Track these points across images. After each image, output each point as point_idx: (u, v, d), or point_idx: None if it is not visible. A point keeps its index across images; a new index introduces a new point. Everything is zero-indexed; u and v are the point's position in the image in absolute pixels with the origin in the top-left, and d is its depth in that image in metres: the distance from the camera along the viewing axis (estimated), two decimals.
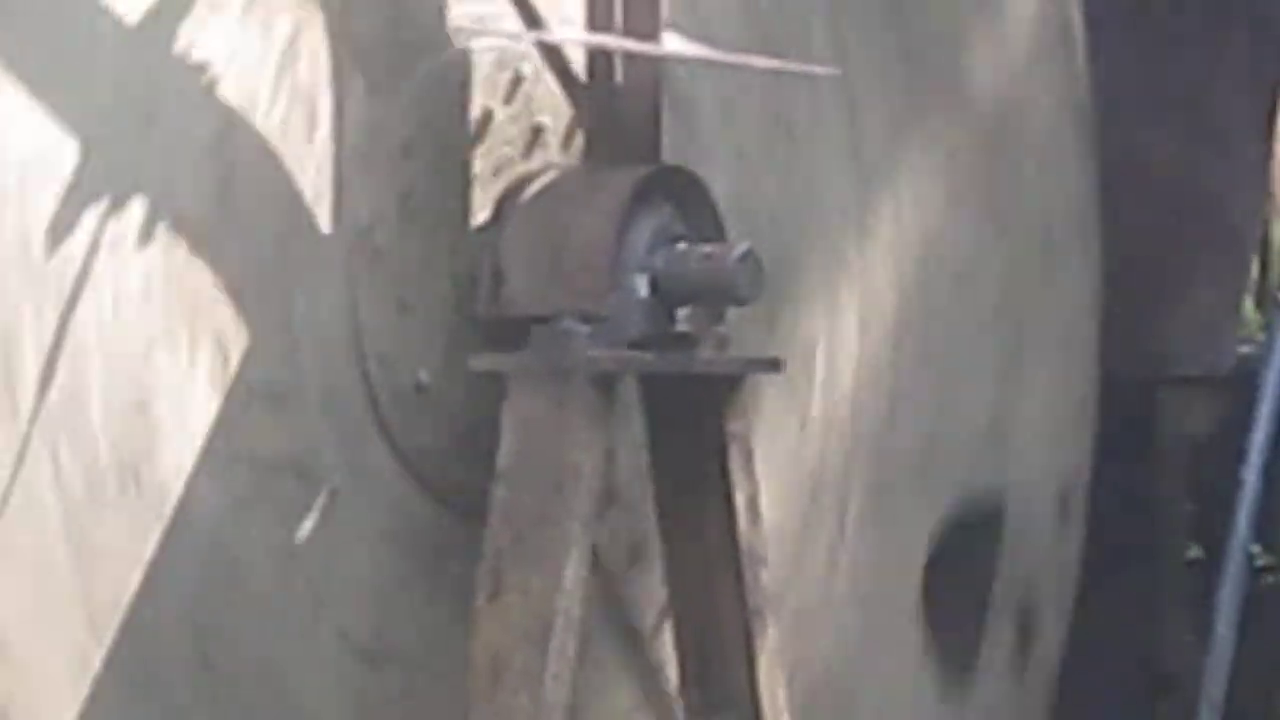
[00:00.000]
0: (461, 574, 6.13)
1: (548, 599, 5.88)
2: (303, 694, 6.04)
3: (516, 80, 6.09)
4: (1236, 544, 7.84)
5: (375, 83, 6.00)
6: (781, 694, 6.30)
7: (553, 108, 6.22)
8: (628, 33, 6.01)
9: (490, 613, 5.92)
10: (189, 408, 5.66)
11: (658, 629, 6.65)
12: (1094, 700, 8.28)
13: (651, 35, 6.01)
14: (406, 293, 5.99)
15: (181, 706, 5.80)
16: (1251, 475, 7.83)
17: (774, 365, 6.44)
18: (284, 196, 5.86)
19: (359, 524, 6.08)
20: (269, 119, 5.90)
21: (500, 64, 6.07)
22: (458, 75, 6.06)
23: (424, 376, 6.03)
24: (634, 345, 5.88)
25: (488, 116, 6.09)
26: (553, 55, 6.14)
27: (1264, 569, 8.06)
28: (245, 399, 5.73)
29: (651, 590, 6.60)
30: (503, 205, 5.92)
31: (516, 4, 6.02)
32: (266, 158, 5.83)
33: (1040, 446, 7.92)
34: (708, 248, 5.92)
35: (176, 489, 5.61)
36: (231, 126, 5.81)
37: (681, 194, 6.01)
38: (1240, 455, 7.91)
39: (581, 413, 5.93)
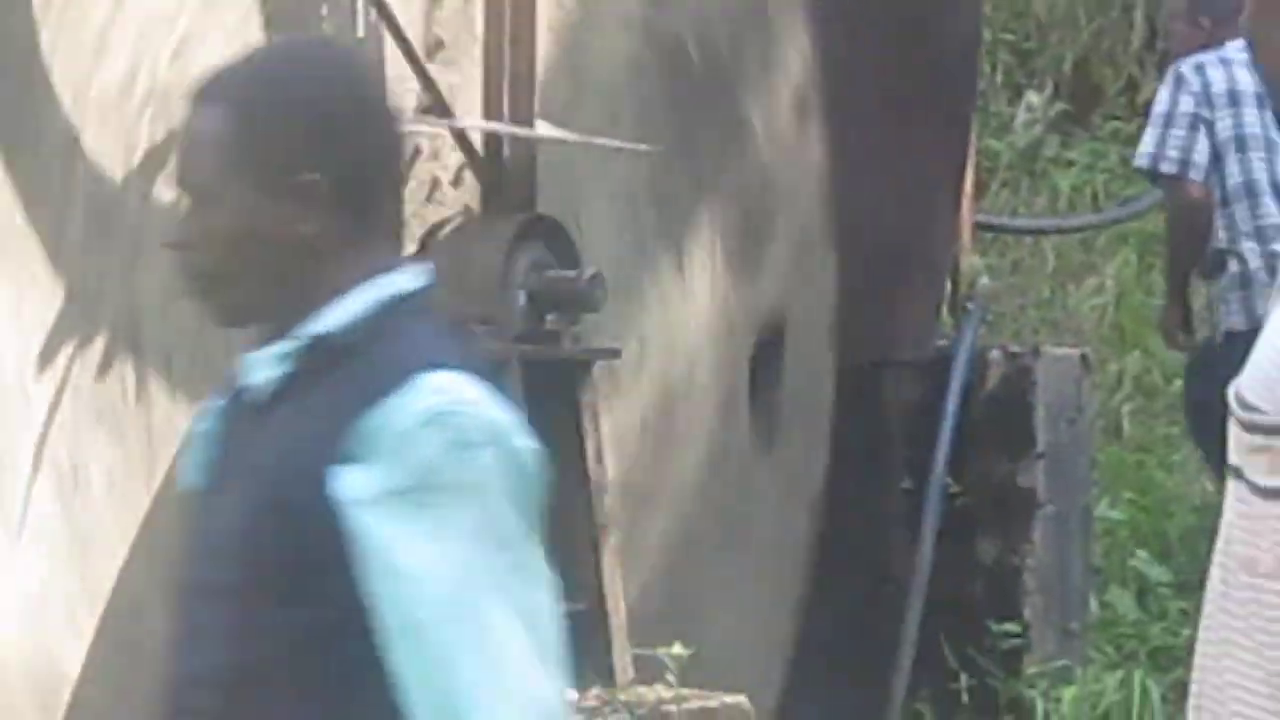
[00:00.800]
0: None
1: None
2: None
3: (417, 151, 7.41)
4: (936, 478, 9.01)
5: None
6: (619, 582, 7.65)
7: (442, 164, 7.52)
8: (512, 120, 7.34)
9: None
10: None
11: None
12: (838, 591, 9.03)
13: (528, 122, 7.33)
14: None
15: None
16: (946, 430, 8.99)
17: (614, 354, 7.84)
18: None
19: None
20: None
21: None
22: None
23: None
24: (517, 340, 7.28)
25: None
26: (458, 135, 7.37)
27: (954, 495, 8.95)
28: None
29: None
30: (425, 241, 7.41)
31: (433, 101, 7.26)
32: None
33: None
34: (568, 272, 7.35)
35: None
36: None
37: (550, 234, 7.41)
38: (938, 416, 9.04)
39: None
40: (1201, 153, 9.93)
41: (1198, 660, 3.12)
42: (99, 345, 7.55)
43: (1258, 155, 10.03)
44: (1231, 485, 3.04)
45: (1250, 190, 9.97)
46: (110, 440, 7.58)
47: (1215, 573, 3.04)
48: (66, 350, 7.48)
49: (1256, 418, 2.98)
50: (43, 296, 7.40)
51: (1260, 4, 3.19)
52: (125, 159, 7.51)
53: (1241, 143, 10.09)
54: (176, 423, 7.44)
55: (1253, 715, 2.91)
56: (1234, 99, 9.95)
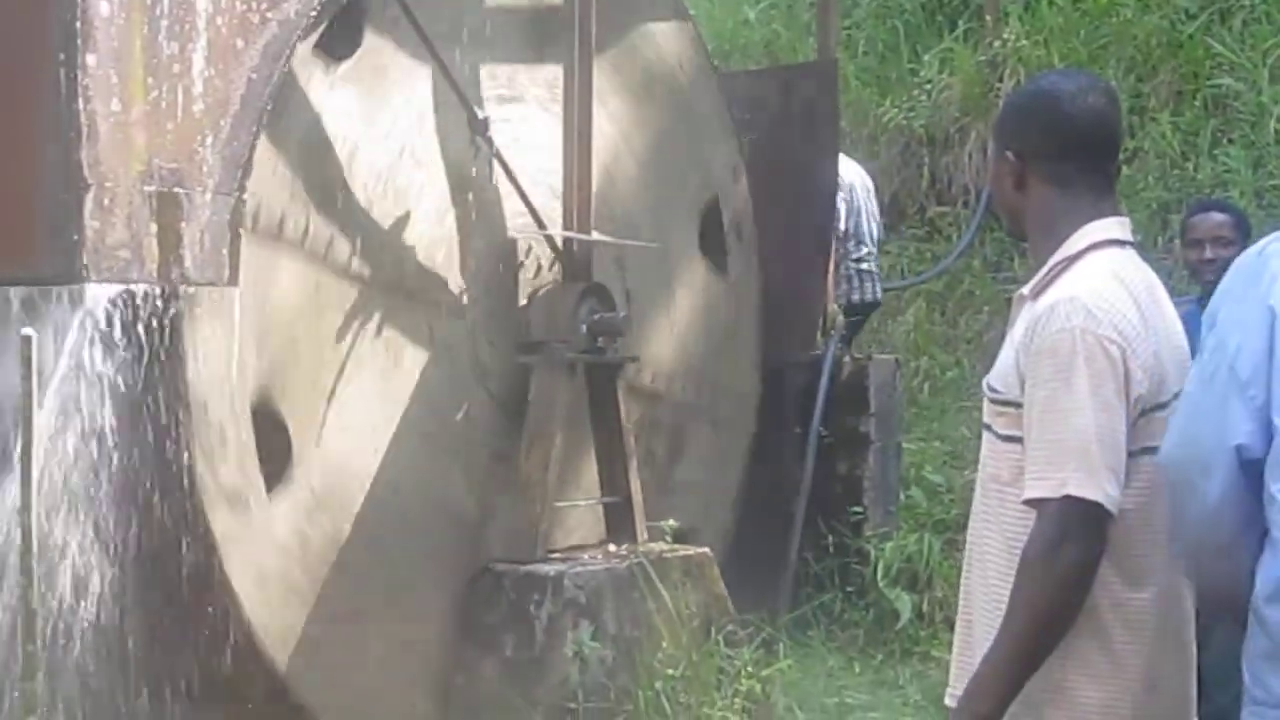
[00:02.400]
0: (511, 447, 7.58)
1: (546, 449, 7.35)
2: None
3: (529, 248, 7.69)
4: (815, 428, 9.12)
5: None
6: (639, 485, 7.73)
7: (543, 254, 7.70)
8: (578, 230, 7.63)
9: (531, 443, 7.44)
10: None
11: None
12: (763, 490, 9.06)
13: (586, 231, 7.63)
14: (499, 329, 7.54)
15: None
16: (819, 401, 9.09)
17: (635, 359, 8.03)
18: None
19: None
20: None
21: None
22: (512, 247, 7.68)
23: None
24: (582, 352, 7.54)
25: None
26: (549, 239, 7.64)
27: (824, 437, 9.02)
28: None
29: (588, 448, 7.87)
30: (531, 298, 7.63)
31: (532, 215, 7.55)
32: None
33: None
34: (609, 314, 7.66)
35: None
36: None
37: (599, 293, 7.68)
38: (815, 394, 9.12)
39: (564, 381, 7.52)
40: None
41: (969, 532, 3.48)
42: None
43: None
44: (985, 434, 3.41)
45: None
46: None
47: (978, 482, 3.47)
48: None
49: (996, 395, 3.34)
50: None
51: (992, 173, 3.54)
52: None
53: None
54: None
55: (992, 560, 3.29)
56: None
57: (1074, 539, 3.06)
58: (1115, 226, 3.33)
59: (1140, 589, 3.22)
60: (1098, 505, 3.07)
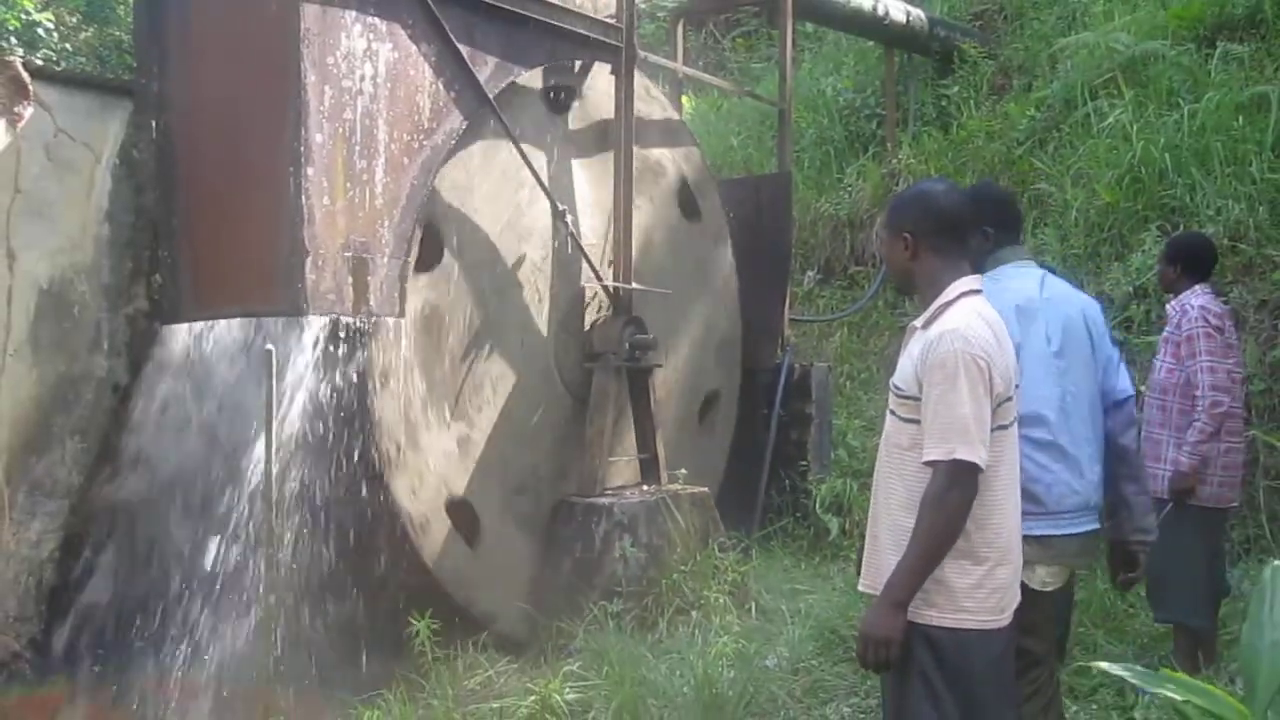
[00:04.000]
0: (580, 423, 7.45)
1: (602, 424, 7.31)
2: None
3: (593, 293, 7.59)
4: (776, 411, 8.97)
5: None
6: (662, 446, 7.65)
7: (599, 297, 7.61)
8: (624, 280, 7.55)
9: (593, 435, 7.33)
10: None
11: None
12: (740, 456, 8.85)
13: (629, 281, 7.55)
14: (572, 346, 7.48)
15: None
16: (779, 394, 9.00)
17: (661, 365, 7.93)
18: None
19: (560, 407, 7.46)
20: None
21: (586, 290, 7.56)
22: (581, 295, 7.60)
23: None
24: (624, 361, 7.46)
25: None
26: (604, 287, 7.57)
27: (782, 417, 8.89)
28: None
29: (629, 423, 7.68)
30: (592, 326, 7.57)
31: (593, 271, 7.52)
32: None
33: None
34: (645, 336, 7.57)
35: None
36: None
37: (638, 324, 7.58)
38: (775, 390, 9.04)
39: (614, 380, 7.42)
40: None
41: (874, 479, 3.50)
42: None
43: None
44: (889, 417, 3.44)
45: None
46: None
47: (881, 447, 3.50)
48: None
49: (899, 392, 3.38)
50: None
51: (888, 248, 3.54)
52: None
53: None
54: None
55: (895, 498, 3.33)
56: None
57: (958, 486, 3.20)
58: (974, 281, 3.43)
59: (990, 516, 3.27)
60: (974, 465, 3.20)
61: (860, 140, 12.82)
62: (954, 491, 3.15)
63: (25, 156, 6.20)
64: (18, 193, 6.16)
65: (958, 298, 3.35)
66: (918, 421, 3.30)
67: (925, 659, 3.29)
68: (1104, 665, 3.29)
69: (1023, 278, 4.07)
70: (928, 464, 3.21)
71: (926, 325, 3.35)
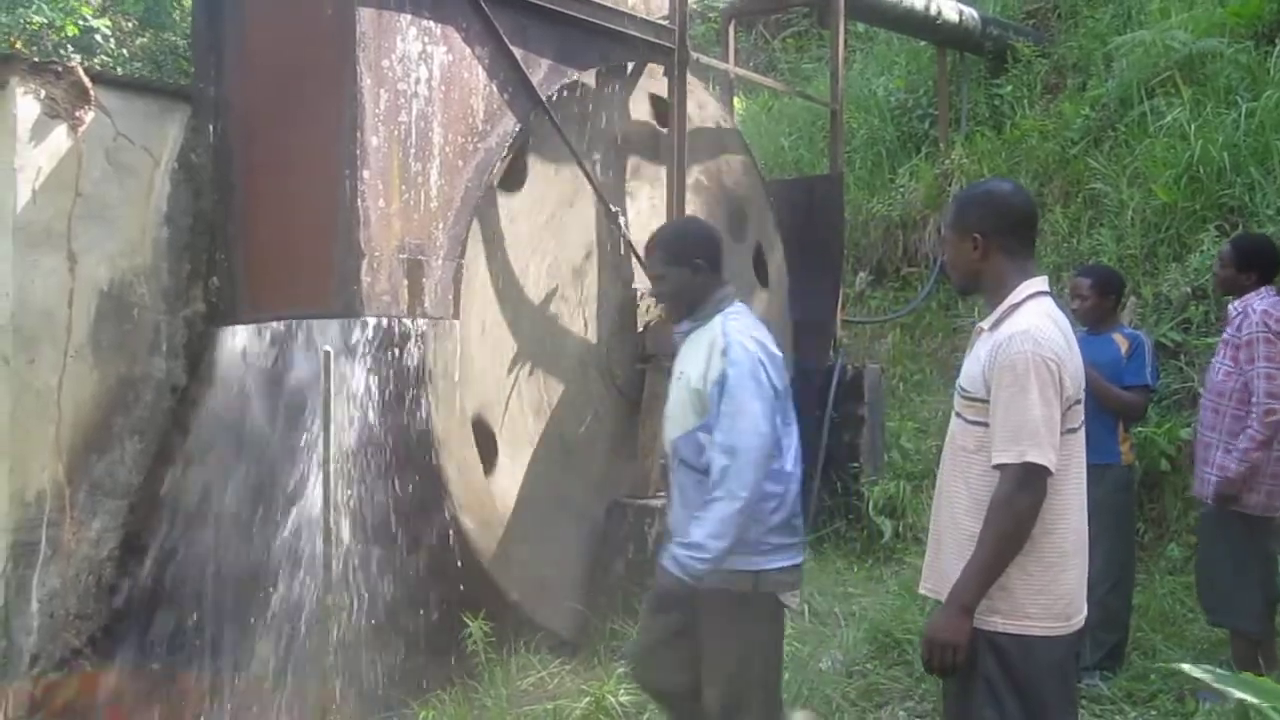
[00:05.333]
0: (632, 422, 7.44)
1: (654, 425, 6.92)
2: None
3: (640, 296, 7.55)
4: (828, 411, 8.99)
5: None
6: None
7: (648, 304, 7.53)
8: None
9: (645, 422, 7.28)
10: None
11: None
12: None
13: None
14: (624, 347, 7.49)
15: None
16: (830, 395, 8.99)
17: None
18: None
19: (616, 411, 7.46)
20: None
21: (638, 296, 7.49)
22: (634, 295, 7.57)
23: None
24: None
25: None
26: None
27: (834, 418, 8.85)
28: None
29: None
30: (647, 325, 7.56)
31: (646, 274, 6.51)
32: None
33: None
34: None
35: None
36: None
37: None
38: (828, 389, 9.02)
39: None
40: None
41: (938, 482, 3.47)
42: None
43: None
44: (955, 419, 3.40)
45: None
46: None
47: (946, 450, 3.45)
48: None
49: (966, 394, 3.33)
50: None
51: (954, 249, 3.47)
52: None
53: None
54: None
55: (960, 502, 3.28)
56: None
57: (1027, 490, 3.16)
58: (1041, 282, 3.40)
59: (1058, 521, 3.23)
60: (1044, 468, 3.15)
61: (912, 140, 12.74)
62: (1023, 495, 3.12)
63: (86, 160, 6.28)
64: (78, 196, 6.23)
65: (1026, 299, 3.32)
66: (984, 424, 3.26)
67: (989, 664, 3.26)
68: (1185, 667, 3.21)
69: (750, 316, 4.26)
70: (997, 467, 3.17)
71: (994, 327, 3.32)
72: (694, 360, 4.09)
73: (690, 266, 4.17)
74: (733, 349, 3.96)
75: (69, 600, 6.16)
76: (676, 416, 4.14)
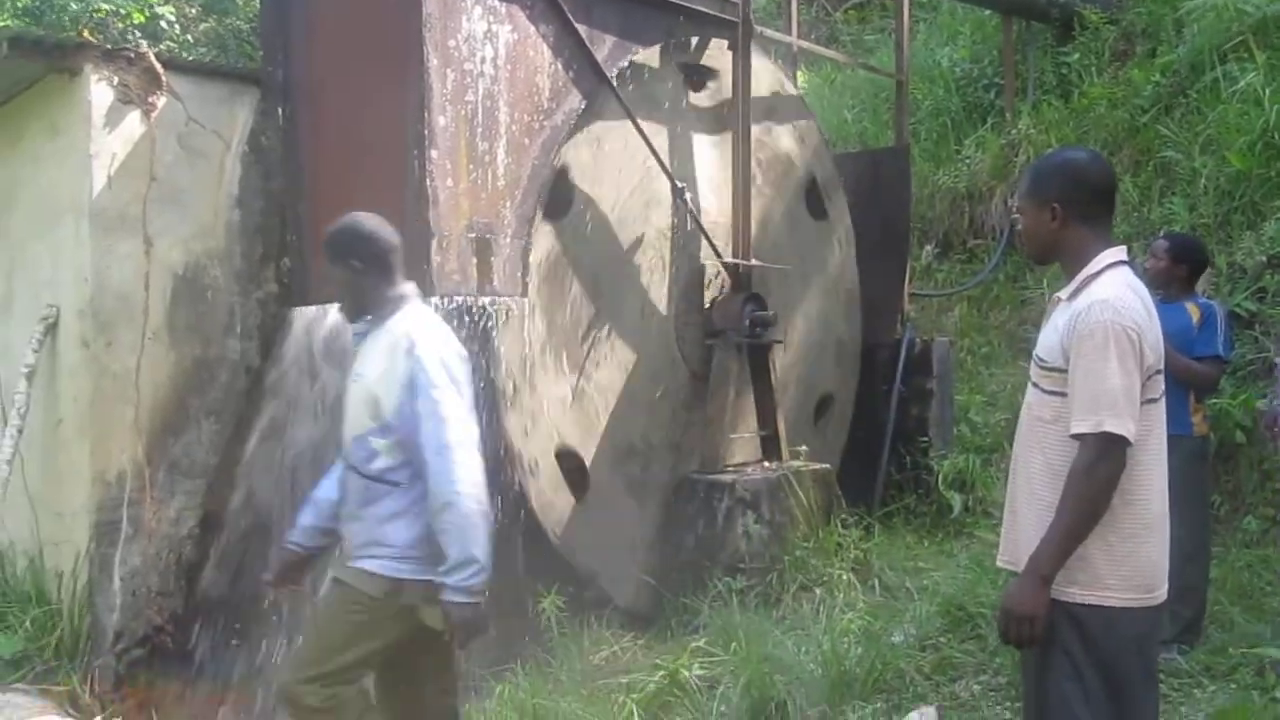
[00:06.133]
0: (701, 394, 7.46)
1: (723, 400, 7.34)
2: None
3: (715, 270, 7.55)
4: (896, 386, 8.92)
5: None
6: (783, 423, 7.67)
7: (721, 274, 7.59)
8: (743, 257, 7.55)
9: (713, 396, 7.36)
10: None
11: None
12: (861, 429, 8.84)
13: (748, 258, 7.55)
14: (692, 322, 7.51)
15: None
16: (899, 369, 8.88)
17: (781, 342, 7.88)
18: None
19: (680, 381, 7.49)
20: None
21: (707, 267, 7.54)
22: (702, 270, 7.59)
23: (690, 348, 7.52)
24: (744, 338, 7.46)
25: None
26: (724, 264, 7.53)
27: (903, 394, 8.81)
28: None
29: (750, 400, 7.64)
30: (712, 303, 7.56)
31: (713, 249, 7.48)
32: None
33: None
34: (765, 313, 7.57)
35: None
36: None
37: (757, 300, 7.58)
38: (896, 363, 8.97)
39: (733, 355, 7.41)
40: None
41: (1014, 453, 3.40)
42: None
43: None
44: (1031, 389, 3.33)
45: None
46: None
47: (1022, 421, 3.37)
48: None
49: (1044, 364, 3.26)
50: None
51: (1031, 218, 3.36)
52: None
53: None
54: None
55: (1036, 472, 3.23)
56: None
57: (1107, 459, 3.10)
58: (1120, 251, 3.35)
59: (1137, 491, 3.20)
60: (1123, 438, 3.10)
61: (978, 111, 12.55)
62: (1102, 465, 3.08)
63: (159, 145, 6.38)
64: (153, 180, 6.33)
65: (1105, 269, 3.28)
66: (1062, 394, 3.23)
67: (1068, 636, 3.22)
68: (1270, 651, 3.18)
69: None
70: (1075, 437, 3.14)
71: (1072, 297, 3.29)
72: (372, 361, 3.94)
73: (347, 266, 4.02)
74: (418, 347, 3.84)
75: (150, 578, 6.30)
76: (351, 419, 4.00)
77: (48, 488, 6.43)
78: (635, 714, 5.17)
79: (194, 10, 14.04)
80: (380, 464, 3.91)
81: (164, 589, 6.32)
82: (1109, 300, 3.15)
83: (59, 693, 5.80)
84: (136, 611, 6.22)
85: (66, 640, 6.02)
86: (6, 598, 6.39)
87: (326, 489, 4.16)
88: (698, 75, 7.62)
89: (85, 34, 11.10)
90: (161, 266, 6.35)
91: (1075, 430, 3.15)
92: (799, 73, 11.32)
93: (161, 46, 12.65)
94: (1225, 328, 6.05)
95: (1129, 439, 3.11)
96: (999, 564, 3.49)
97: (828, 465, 7.80)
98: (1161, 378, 3.28)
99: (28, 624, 6.04)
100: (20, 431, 6.25)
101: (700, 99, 7.71)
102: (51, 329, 6.39)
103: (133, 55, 6.28)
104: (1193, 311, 6.01)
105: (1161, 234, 7.12)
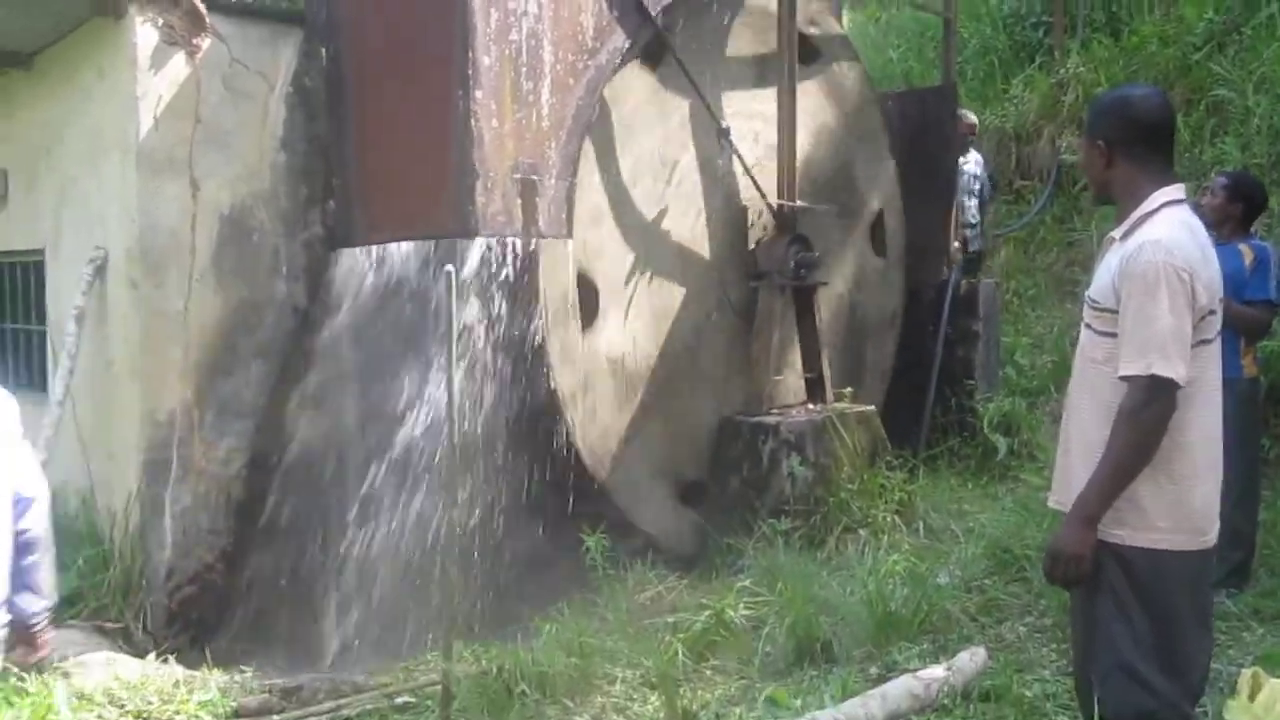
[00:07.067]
0: (748, 334, 7.45)
1: (767, 342, 7.33)
2: None
3: (759, 212, 7.53)
4: (943, 325, 8.85)
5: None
6: (828, 367, 7.64)
7: (765, 216, 7.54)
8: (787, 198, 7.47)
9: (758, 353, 7.37)
10: None
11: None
12: (907, 365, 8.83)
13: (792, 199, 7.47)
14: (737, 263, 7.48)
15: None
16: (945, 309, 8.86)
17: (825, 284, 7.87)
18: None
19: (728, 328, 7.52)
20: None
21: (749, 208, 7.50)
22: (744, 211, 7.52)
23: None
24: (790, 279, 7.42)
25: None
26: (769, 205, 7.48)
27: (949, 335, 8.74)
28: None
29: (794, 341, 7.59)
30: (758, 243, 7.54)
31: (758, 190, 7.41)
32: None
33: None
34: (809, 253, 7.50)
35: None
36: None
37: (802, 241, 7.51)
38: (942, 304, 8.91)
39: (778, 296, 7.38)
40: None
41: (1068, 393, 3.39)
42: None
43: None
44: (1084, 330, 3.30)
45: None
46: None
47: (1076, 362, 3.34)
48: None
49: (1096, 305, 3.21)
50: None
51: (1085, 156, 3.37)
52: None
53: None
54: None
55: (1088, 413, 3.21)
56: None
57: (1155, 402, 3.06)
58: (1176, 190, 3.29)
59: (1188, 434, 3.16)
60: (1171, 380, 3.06)
61: (1026, 50, 12.46)
62: (1151, 408, 3.05)
63: (204, 87, 6.37)
64: (198, 122, 6.34)
65: (1159, 208, 3.22)
66: (1114, 335, 3.19)
67: (1117, 577, 3.20)
68: None
69: None
70: (1124, 378, 3.10)
71: (1125, 236, 3.24)
72: None
73: None
74: None
75: (200, 516, 6.35)
76: None
77: (99, 428, 6.47)
78: (681, 653, 5.20)
79: None
80: None
81: (214, 528, 6.37)
82: (1160, 240, 3.10)
83: (113, 629, 5.90)
84: (187, 550, 6.26)
85: (119, 578, 6.09)
86: (60, 537, 6.40)
87: None
88: (742, 14, 7.54)
89: None
90: (208, 208, 6.36)
91: (1124, 372, 3.12)
92: (844, 11, 11.22)
93: None
94: (1278, 271, 5.96)
95: (1178, 382, 3.07)
96: (1050, 504, 3.48)
97: (872, 407, 7.80)
98: (1217, 319, 3.22)
99: (81, 563, 6.12)
100: (71, 373, 6.29)
101: (744, 38, 7.61)
102: (100, 270, 6.42)
103: None
104: (1246, 253, 5.91)
105: (1217, 173, 7.00)
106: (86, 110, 6.60)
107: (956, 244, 9.33)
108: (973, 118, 10.20)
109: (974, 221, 10.15)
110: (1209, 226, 5.73)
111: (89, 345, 6.43)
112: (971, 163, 10.09)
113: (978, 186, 10.19)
